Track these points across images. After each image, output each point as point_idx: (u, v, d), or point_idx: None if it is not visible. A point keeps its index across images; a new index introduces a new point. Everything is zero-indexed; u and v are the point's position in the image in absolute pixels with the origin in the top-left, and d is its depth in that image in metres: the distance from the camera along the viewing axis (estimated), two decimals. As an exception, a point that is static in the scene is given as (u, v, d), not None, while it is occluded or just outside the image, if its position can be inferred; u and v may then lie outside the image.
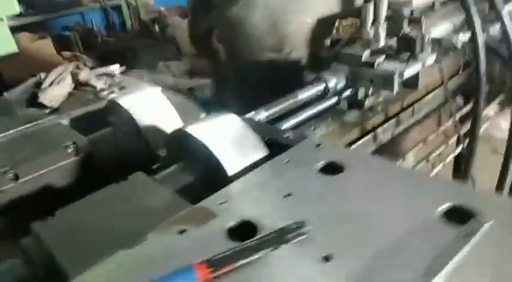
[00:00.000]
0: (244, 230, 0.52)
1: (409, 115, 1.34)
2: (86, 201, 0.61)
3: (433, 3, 1.34)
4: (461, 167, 1.46)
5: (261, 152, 0.68)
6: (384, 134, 1.26)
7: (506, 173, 1.37)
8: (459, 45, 1.29)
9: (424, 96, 1.41)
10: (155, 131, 0.85)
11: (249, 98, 1.02)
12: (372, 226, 0.50)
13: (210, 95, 2.20)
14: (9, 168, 0.74)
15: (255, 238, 0.48)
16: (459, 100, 1.64)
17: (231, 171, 0.64)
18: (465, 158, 1.39)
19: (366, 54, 1.15)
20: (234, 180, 0.63)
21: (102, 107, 0.99)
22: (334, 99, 1.18)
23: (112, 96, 1.05)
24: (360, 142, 1.18)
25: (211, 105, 1.55)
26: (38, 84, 1.09)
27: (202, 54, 1.87)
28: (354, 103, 1.25)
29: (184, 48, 3.37)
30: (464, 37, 1.29)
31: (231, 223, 0.52)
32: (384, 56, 1.15)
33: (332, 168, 0.62)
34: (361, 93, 1.23)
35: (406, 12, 1.18)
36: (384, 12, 1.17)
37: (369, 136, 1.21)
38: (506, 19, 1.23)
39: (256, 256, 0.46)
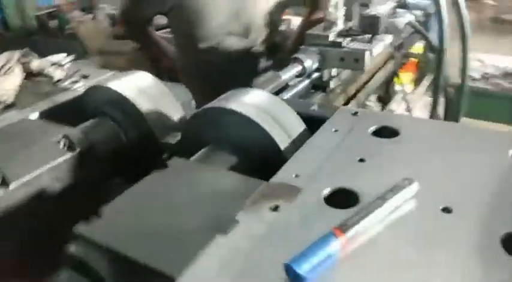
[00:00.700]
0: (337, 198, 0.49)
1: (366, 95, 1.41)
2: (132, 194, 0.52)
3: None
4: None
5: (301, 126, 0.65)
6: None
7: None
8: (401, 27, 1.40)
9: (371, 77, 1.50)
10: (158, 117, 0.75)
11: (214, 86, 0.96)
12: (469, 179, 0.51)
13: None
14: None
15: (368, 202, 0.45)
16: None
17: (283, 146, 0.60)
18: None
19: (332, 35, 1.18)
20: (286, 155, 0.59)
21: (72, 99, 0.85)
22: (307, 81, 1.19)
23: (78, 85, 0.91)
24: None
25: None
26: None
27: (143, 43, 1.70)
28: (319, 85, 1.28)
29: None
30: (404, 20, 1.41)
31: (325, 192, 0.49)
32: (349, 37, 1.19)
33: (383, 133, 0.62)
34: (326, 75, 1.26)
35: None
36: (343, -5, 1.22)
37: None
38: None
39: (380, 214, 0.43)
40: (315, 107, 0.70)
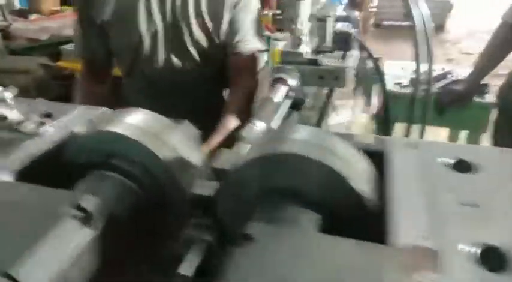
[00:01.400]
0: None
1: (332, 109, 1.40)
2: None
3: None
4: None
5: (370, 167, 0.58)
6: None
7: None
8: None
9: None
10: (180, 163, 0.61)
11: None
12: None
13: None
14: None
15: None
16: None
17: (368, 197, 0.52)
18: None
19: (307, 52, 1.13)
20: (372, 208, 0.52)
21: (49, 150, 0.66)
22: (288, 102, 1.12)
23: (48, 129, 0.71)
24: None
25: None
26: None
27: None
28: (294, 104, 1.22)
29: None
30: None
31: (473, 252, 0.42)
32: (320, 54, 1.16)
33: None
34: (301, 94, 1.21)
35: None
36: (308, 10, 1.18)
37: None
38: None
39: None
40: (370, 141, 0.64)
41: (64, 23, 3.49)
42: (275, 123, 0.94)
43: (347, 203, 0.52)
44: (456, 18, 8.27)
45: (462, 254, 0.43)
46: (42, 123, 0.73)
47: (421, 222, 0.47)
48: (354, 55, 1.22)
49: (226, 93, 1.49)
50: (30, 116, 0.75)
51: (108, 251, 0.54)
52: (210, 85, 1.45)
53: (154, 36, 1.32)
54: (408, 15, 1.41)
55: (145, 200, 0.61)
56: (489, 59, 1.95)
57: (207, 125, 0.84)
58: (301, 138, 0.57)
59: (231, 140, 0.93)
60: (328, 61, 1.12)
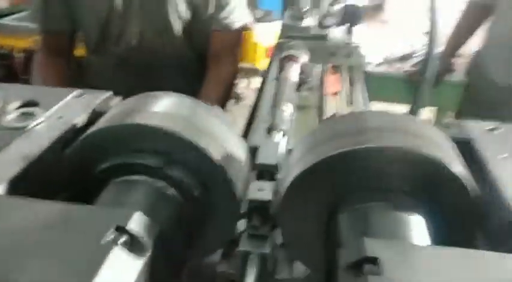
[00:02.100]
0: None
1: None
2: None
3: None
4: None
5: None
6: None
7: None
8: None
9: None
10: (232, 164, 0.48)
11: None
12: None
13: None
14: None
15: None
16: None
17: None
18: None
19: (314, 26, 1.02)
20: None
21: (51, 149, 0.50)
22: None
23: (38, 121, 0.54)
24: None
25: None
26: None
27: None
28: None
29: None
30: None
31: None
32: (325, 28, 1.05)
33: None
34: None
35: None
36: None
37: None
38: None
39: None
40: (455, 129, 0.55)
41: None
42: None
43: (450, 192, 0.43)
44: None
45: None
46: (28, 114, 0.56)
47: None
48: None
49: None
50: (9, 105, 0.58)
51: (156, 274, 0.41)
52: (193, 70, 1.29)
53: (127, 5, 1.13)
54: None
55: (191, 210, 0.47)
56: (459, 38, 1.96)
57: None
58: (381, 125, 0.47)
59: None
60: (338, 36, 1.02)
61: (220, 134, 0.50)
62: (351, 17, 1.08)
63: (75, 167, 0.50)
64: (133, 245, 0.37)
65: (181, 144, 0.45)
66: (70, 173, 0.50)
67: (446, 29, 2.02)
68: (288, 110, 0.71)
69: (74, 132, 0.53)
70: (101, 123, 0.49)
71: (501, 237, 0.42)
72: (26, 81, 2.22)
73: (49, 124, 0.54)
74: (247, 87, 3.45)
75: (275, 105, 0.72)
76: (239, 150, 0.52)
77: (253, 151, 0.55)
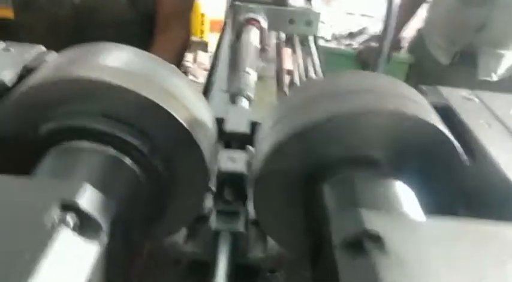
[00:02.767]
0: None
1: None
2: None
3: None
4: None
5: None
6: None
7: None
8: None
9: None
10: (200, 129, 0.42)
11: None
12: None
13: None
14: None
15: None
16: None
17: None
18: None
19: None
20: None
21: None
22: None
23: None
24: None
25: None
26: None
27: None
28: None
29: None
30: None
31: None
32: (284, -8, 0.99)
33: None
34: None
35: None
36: None
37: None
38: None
39: None
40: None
41: None
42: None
43: (439, 155, 0.40)
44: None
45: None
46: None
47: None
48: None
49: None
50: None
51: (117, 262, 0.34)
52: (136, 34, 1.16)
53: None
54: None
55: (151, 183, 0.40)
56: (404, 14, 1.99)
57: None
58: (359, 87, 0.43)
59: None
60: (295, 2, 0.96)
61: (183, 93, 0.43)
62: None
63: (7, 133, 0.40)
64: (85, 225, 0.30)
65: (137, 103, 0.38)
66: (0, 140, 0.41)
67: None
68: (252, 74, 0.65)
69: (2, 92, 0.43)
70: (35, 78, 0.40)
71: (496, 206, 0.40)
72: None
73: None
74: (193, 62, 3.32)
75: (238, 69, 0.65)
76: (205, 113, 0.45)
77: (218, 122, 0.49)
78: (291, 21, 0.95)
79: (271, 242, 0.47)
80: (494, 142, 0.43)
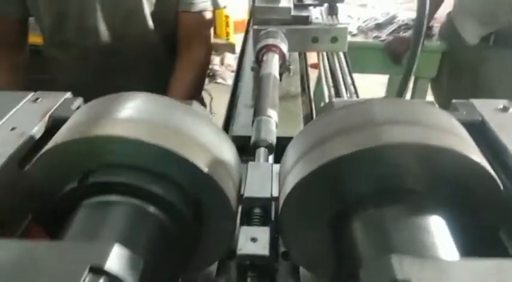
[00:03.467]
0: None
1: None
2: None
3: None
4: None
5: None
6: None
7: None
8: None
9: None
10: (224, 174, 0.42)
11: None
12: None
13: None
14: None
15: None
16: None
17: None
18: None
19: (293, 7, 0.91)
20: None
21: (7, 166, 0.42)
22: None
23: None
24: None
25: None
26: None
27: None
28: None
29: None
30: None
31: None
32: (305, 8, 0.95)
33: None
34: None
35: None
36: None
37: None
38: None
39: None
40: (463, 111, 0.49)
41: None
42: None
43: (476, 187, 0.38)
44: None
45: None
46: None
47: None
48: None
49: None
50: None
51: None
52: (161, 55, 1.18)
53: None
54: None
55: (179, 231, 0.41)
56: (433, 2, 1.91)
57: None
58: (390, 117, 0.41)
59: None
60: (321, 19, 0.92)
61: (205, 136, 0.43)
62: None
63: (37, 187, 0.42)
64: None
65: (163, 156, 0.38)
66: (31, 195, 0.43)
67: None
68: (274, 116, 0.61)
69: (32, 146, 0.45)
70: (64, 134, 0.41)
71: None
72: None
73: (0, 138, 0.45)
74: (220, 64, 3.34)
75: (258, 111, 0.60)
76: (227, 152, 0.45)
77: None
78: (315, 40, 0.90)
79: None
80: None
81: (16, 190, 0.43)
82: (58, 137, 0.40)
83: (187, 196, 0.40)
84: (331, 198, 0.40)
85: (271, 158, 0.51)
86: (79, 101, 0.52)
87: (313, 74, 1.33)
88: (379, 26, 2.01)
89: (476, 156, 0.37)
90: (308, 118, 0.92)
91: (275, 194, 0.42)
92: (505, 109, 0.50)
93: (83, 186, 0.39)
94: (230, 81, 3.25)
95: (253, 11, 0.93)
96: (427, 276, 0.29)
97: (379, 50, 1.96)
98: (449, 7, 1.90)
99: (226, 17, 3.27)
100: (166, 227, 0.40)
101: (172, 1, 1.09)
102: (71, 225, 0.37)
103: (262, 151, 0.49)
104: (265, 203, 0.40)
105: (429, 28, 1.93)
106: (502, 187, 0.38)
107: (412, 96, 2.02)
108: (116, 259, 0.31)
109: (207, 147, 0.42)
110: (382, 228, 0.37)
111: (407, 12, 2.16)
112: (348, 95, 1.07)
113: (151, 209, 0.38)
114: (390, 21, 2.05)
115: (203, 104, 1.34)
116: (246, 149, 0.55)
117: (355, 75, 1.25)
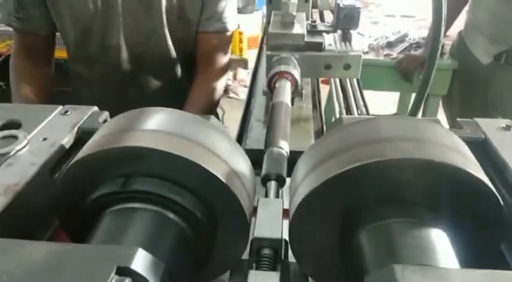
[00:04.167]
0: None
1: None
2: None
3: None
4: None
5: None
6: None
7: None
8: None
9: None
10: (240, 185, 0.45)
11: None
12: None
13: None
14: None
15: None
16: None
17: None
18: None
19: (307, 34, 0.93)
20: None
21: (39, 175, 0.46)
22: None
23: (20, 147, 0.49)
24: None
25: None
26: None
27: None
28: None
29: None
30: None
31: None
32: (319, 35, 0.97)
33: None
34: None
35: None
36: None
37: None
38: None
39: None
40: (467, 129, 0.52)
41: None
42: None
43: (477, 202, 0.40)
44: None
45: None
46: (9, 138, 0.51)
47: None
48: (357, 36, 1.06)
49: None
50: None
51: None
52: (179, 76, 1.22)
53: (110, 7, 1.07)
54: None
55: (197, 238, 0.44)
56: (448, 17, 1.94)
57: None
58: (395, 134, 0.44)
59: None
60: (334, 45, 0.93)
61: (221, 148, 0.46)
62: (346, 20, 0.99)
63: (66, 194, 0.45)
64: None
65: (182, 166, 0.42)
66: (60, 200, 0.46)
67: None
68: (285, 147, 0.58)
69: (62, 155, 0.49)
70: (92, 146, 0.44)
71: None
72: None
73: (33, 148, 0.49)
74: (233, 79, 3.40)
75: (269, 142, 0.59)
76: (242, 163, 0.48)
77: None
78: (328, 66, 0.90)
79: None
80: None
81: (47, 197, 0.47)
82: (89, 147, 0.44)
83: (204, 205, 0.43)
84: (338, 210, 0.43)
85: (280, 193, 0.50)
86: (105, 114, 0.56)
87: (324, 89, 1.36)
88: (390, 44, 2.04)
89: (477, 171, 0.40)
90: (319, 133, 0.94)
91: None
92: (507, 128, 0.52)
93: (108, 193, 0.42)
94: (242, 95, 3.31)
95: (266, 37, 0.94)
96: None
97: (390, 68, 1.99)
98: (460, 27, 1.93)
99: (240, 33, 3.34)
100: (185, 234, 0.43)
101: (193, 22, 1.13)
102: (97, 230, 0.40)
103: (273, 185, 0.48)
104: (275, 244, 0.39)
105: (442, 45, 1.95)
106: (502, 202, 0.40)
107: (424, 113, 2.03)
108: (141, 261, 0.34)
109: (225, 160, 0.45)
110: (386, 239, 0.39)
111: (418, 31, 2.19)
112: (359, 112, 1.09)
113: (171, 215, 0.41)
114: (401, 39, 2.08)
115: (218, 118, 1.38)
116: (258, 162, 0.57)
117: (367, 93, 1.28)
